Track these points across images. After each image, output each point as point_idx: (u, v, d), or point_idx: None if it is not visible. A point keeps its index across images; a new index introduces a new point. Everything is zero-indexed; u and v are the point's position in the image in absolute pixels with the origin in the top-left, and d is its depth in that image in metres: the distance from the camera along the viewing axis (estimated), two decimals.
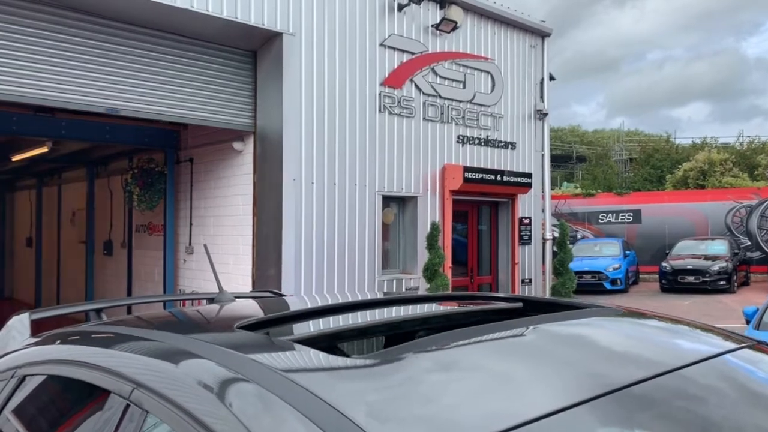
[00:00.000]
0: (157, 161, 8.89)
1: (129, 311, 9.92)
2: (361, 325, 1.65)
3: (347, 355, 1.32)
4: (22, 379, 1.70)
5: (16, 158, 9.90)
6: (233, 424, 1.00)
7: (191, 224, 8.62)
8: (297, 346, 1.29)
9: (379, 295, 2.42)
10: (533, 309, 2.03)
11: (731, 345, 1.58)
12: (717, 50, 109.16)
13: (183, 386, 1.17)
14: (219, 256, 7.86)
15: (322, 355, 1.24)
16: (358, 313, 1.79)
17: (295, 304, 2.22)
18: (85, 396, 1.45)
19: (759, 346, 1.65)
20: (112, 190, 10.67)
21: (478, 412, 1.08)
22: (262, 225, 7.34)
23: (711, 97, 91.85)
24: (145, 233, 9.78)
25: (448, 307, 2.09)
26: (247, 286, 7.27)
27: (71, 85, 6.17)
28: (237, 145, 7.65)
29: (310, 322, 1.68)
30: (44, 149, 8.59)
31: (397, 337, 2.00)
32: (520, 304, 1.92)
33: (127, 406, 1.22)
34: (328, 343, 1.39)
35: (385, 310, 1.92)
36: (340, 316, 1.74)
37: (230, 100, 7.32)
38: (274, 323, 1.61)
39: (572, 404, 1.08)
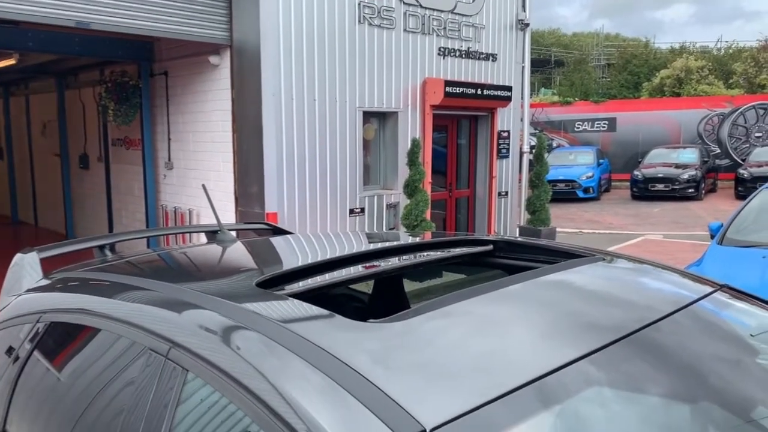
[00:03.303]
0: (131, 74, 8.63)
1: (111, 225, 9.99)
2: (364, 276, 1.76)
3: (362, 315, 1.43)
4: (49, 325, 1.81)
5: None
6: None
7: (169, 139, 8.52)
8: (319, 311, 1.40)
9: (364, 238, 2.56)
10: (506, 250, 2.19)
11: (704, 290, 1.76)
12: None
13: (222, 351, 1.29)
14: (200, 173, 7.86)
15: (356, 323, 1.33)
16: (359, 265, 1.91)
17: (295, 250, 2.33)
18: (117, 348, 1.56)
19: (725, 290, 1.83)
20: (84, 102, 10.39)
21: (468, 359, 1.22)
22: (243, 141, 7.31)
23: None
24: (122, 147, 9.65)
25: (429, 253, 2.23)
26: (230, 203, 7.34)
27: None
28: (213, 59, 7.45)
29: (320, 277, 1.79)
30: (12, 61, 8.25)
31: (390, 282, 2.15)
32: (490, 247, 2.08)
33: (165, 362, 1.34)
34: (347, 302, 1.49)
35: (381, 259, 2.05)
36: (348, 269, 1.85)
37: (204, 12, 7.05)
38: (288, 279, 1.72)
39: (578, 356, 1.23)
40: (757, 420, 1.32)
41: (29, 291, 2.17)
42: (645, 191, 18.04)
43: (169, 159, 8.53)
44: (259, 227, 3.03)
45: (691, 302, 1.63)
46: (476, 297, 1.49)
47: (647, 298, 1.70)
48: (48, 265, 2.42)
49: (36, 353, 1.81)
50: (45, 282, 2.20)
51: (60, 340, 1.83)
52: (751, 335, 1.65)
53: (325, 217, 7.74)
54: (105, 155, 10.08)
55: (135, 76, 8.59)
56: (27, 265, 2.33)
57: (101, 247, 2.60)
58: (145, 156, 8.80)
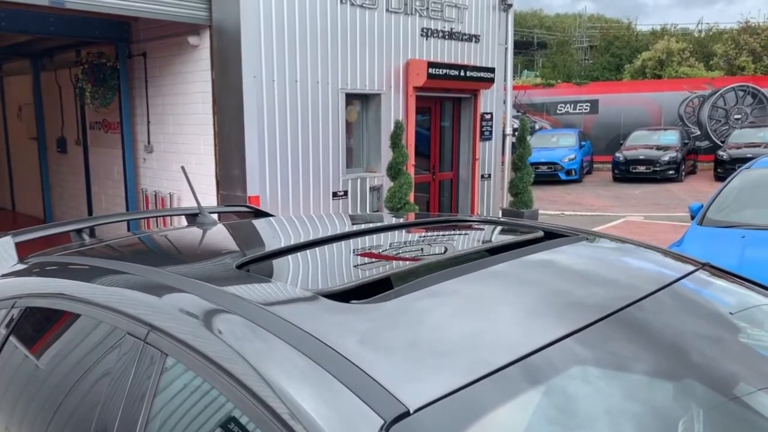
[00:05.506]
0: (108, 55, 8.46)
1: (90, 210, 9.85)
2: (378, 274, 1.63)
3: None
4: (24, 310, 1.76)
5: None
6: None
7: (149, 122, 8.39)
8: (301, 292, 1.38)
9: (347, 220, 2.51)
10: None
11: (686, 268, 1.76)
12: None
13: (202, 334, 1.27)
14: (181, 156, 7.76)
15: (339, 305, 1.30)
16: (366, 248, 1.87)
17: (277, 232, 2.30)
18: (94, 333, 1.53)
19: (707, 268, 1.84)
20: (60, 84, 10.17)
21: (452, 340, 1.20)
22: (224, 124, 7.22)
23: None
24: (100, 130, 9.49)
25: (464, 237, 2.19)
26: (211, 187, 7.27)
27: None
28: (192, 40, 7.32)
29: (310, 260, 1.76)
30: None
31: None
32: (541, 234, 1.98)
33: (143, 347, 1.32)
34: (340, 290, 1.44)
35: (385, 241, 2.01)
36: (343, 251, 1.81)
37: None
38: (269, 260, 1.70)
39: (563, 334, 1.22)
40: (738, 396, 1.33)
41: (4, 276, 2.13)
42: (626, 173, 18.20)
43: (149, 142, 8.41)
44: (240, 209, 2.99)
45: (674, 281, 1.64)
46: (459, 277, 1.48)
47: (631, 276, 1.70)
48: (25, 250, 2.37)
49: (11, 339, 1.78)
50: (20, 267, 2.16)
51: (35, 325, 1.79)
52: (731, 312, 1.66)
53: (308, 200, 7.69)
54: (83, 139, 9.91)
55: (112, 57, 8.43)
56: (1, 250, 2.28)
57: (78, 231, 2.55)
58: (124, 139, 8.66)
